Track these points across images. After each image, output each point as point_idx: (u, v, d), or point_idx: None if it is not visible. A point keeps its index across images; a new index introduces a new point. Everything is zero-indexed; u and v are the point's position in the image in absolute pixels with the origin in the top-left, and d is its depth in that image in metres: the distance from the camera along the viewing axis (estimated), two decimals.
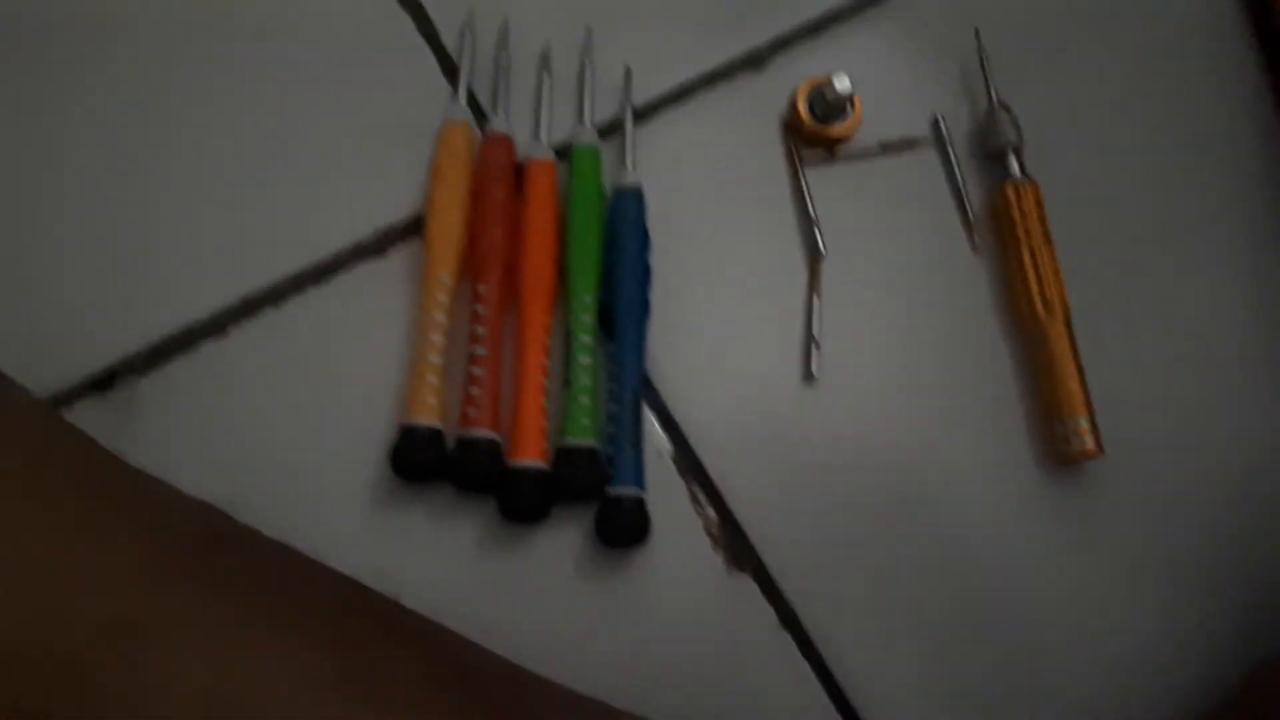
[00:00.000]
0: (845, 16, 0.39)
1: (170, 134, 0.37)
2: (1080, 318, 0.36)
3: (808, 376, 0.36)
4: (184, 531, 0.27)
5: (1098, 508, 0.36)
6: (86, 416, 0.34)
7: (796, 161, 0.36)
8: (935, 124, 0.39)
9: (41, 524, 0.24)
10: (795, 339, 0.37)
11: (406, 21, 0.38)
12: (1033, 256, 0.36)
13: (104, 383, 0.34)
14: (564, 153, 0.37)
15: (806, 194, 0.36)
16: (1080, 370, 0.36)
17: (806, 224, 0.37)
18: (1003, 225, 0.38)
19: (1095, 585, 0.36)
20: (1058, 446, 0.36)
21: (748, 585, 0.35)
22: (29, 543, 0.24)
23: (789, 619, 0.35)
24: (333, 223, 0.37)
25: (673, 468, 0.36)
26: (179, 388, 0.35)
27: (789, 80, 0.38)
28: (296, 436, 0.34)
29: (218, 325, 0.35)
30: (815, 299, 0.36)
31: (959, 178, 0.38)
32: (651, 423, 0.36)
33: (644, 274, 0.36)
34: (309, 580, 0.28)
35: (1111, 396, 0.36)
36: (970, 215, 0.38)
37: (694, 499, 0.36)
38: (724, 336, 0.37)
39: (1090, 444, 0.35)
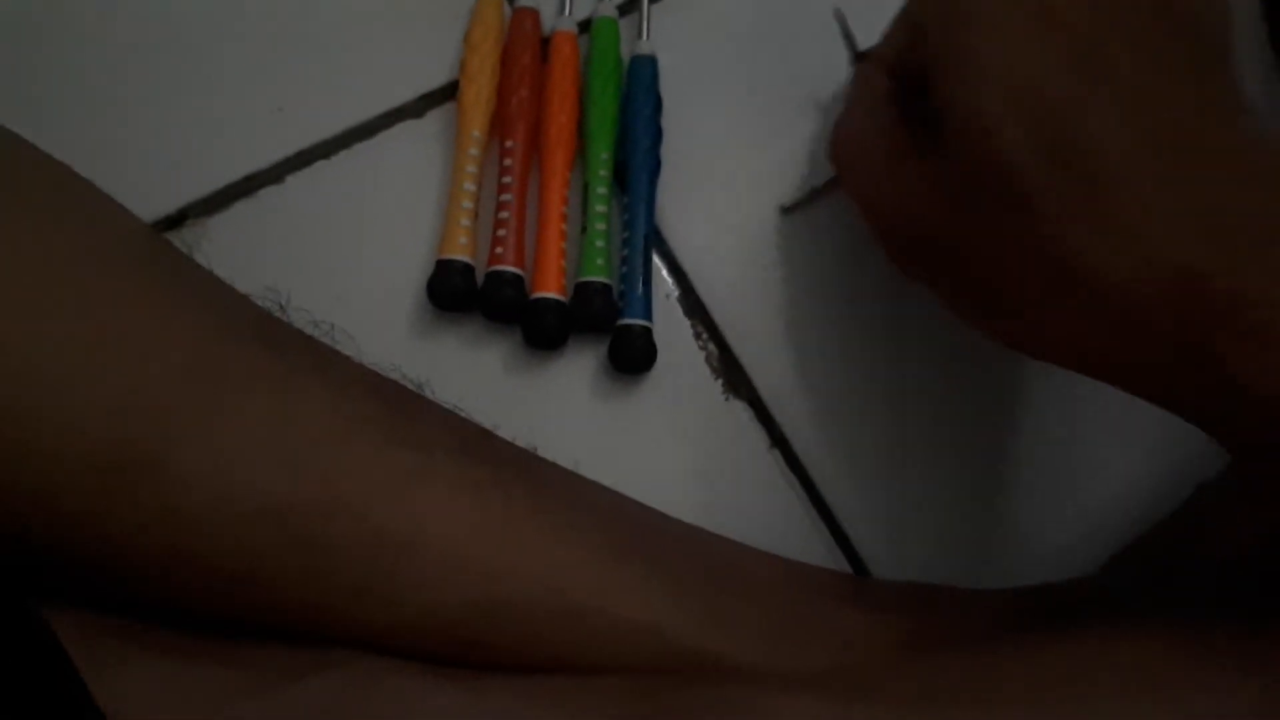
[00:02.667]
0: None
1: (232, 8, 0.41)
2: None
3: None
4: (246, 310, 0.32)
5: None
6: None
7: None
8: None
9: (128, 292, 0.29)
10: (791, 187, 0.41)
11: None
12: None
13: (176, 221, 0.39)
14: (586, 26, 0.41)
15: None
16: None
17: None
18: None
19: (1068, 416, 0.39)
20: None
21: (743, 410, 0.39)
22: (123, 309, 0.28)
23: (779, 439, 0.39)
24: (378, 87, 0.41)
25: (678, 308, 0.40)
26: (241, 227, 0.39)
27: None
28: (344, 270, 0.39)
29: (276, 174, 0.40)
30: None
31: None
32: (660, 269, 0.40)
33: (656, 134, 0.40)
34: (349, 359, 0.33)
35: None
36: None
37: (696, 335, 0.40)
38: (727, 192, 0.41)
39: None
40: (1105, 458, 0.39)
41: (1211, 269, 0.24)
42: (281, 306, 0.34)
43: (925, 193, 0.28)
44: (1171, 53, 0.25)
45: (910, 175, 0.29)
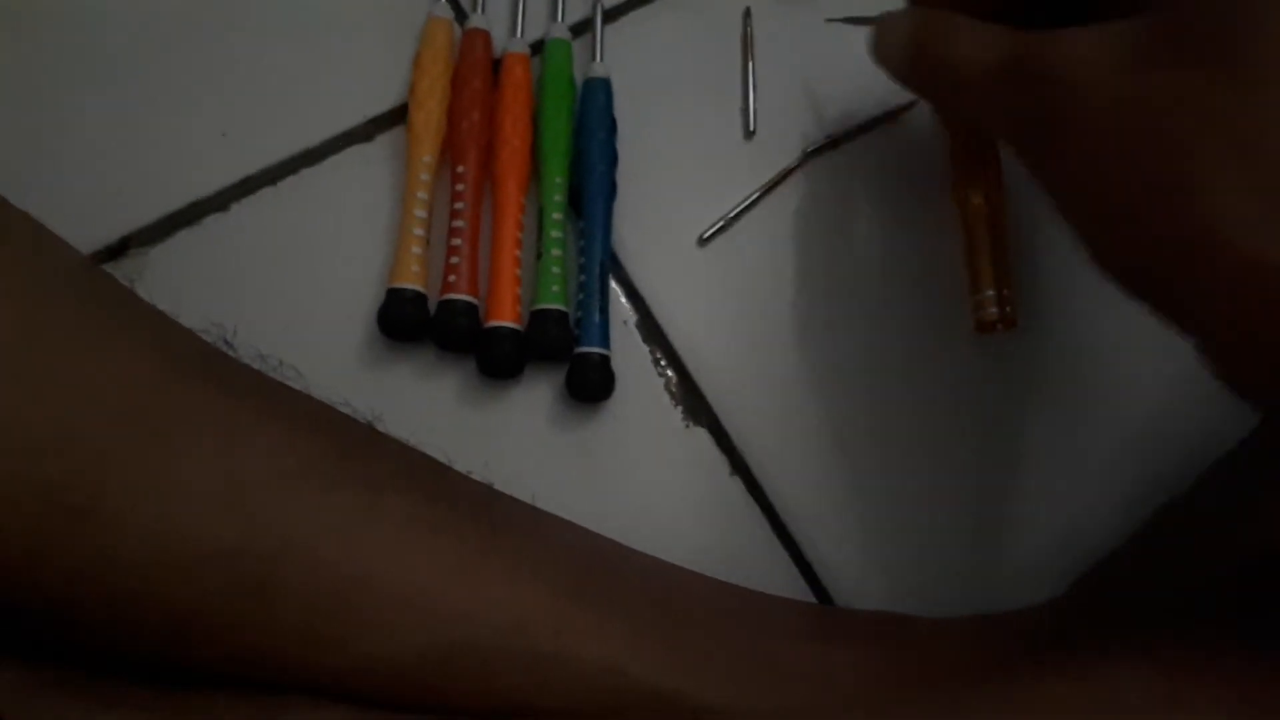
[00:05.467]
0: None
1: (175, 31, 0.40)
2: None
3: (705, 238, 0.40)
4: (190, 346, 0.31)
5: (1032, 369, 0.40)
6: None
7: None
8: None
9: (64, 327, 0.27)
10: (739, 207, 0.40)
11: None
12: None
13: (117, 250, 0.38)
14: (538, 48, 0.41)
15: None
16: (996, 245, 0.38)
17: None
18: None
19: (1031, 443, 0.39)
20: (975, 314, 0.39)
21: (703, 437, 0.39)
22: (59, 345, 0.27)
23: (740, 466, 0.38)
24: (325, 112, 0.40)
25: (637, 334, 0.39)
26: (185, 256, 0.38)
27: None
28: (292, 300, 0.38)
29: (221, 201, 0.39)
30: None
31: None
32: (617, 295, 0.40)
33: (611, 158, 0.40)
34: (297, 393, 0.32)
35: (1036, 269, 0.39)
36: None
37: (655, 362, 0.39)
38: (684, 216, 0.40)
39: (996, 315, 0.38)
40: (1066, 484, 0.39)
41: None
42: (227, 341, 0.33)
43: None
44: None
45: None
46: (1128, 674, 0.28)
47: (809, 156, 0.41)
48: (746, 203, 0.40)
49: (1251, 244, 0.22)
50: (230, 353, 0.32)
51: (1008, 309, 0.38)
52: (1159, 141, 0.23)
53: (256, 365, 0.33)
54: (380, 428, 0.34)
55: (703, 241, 0.40)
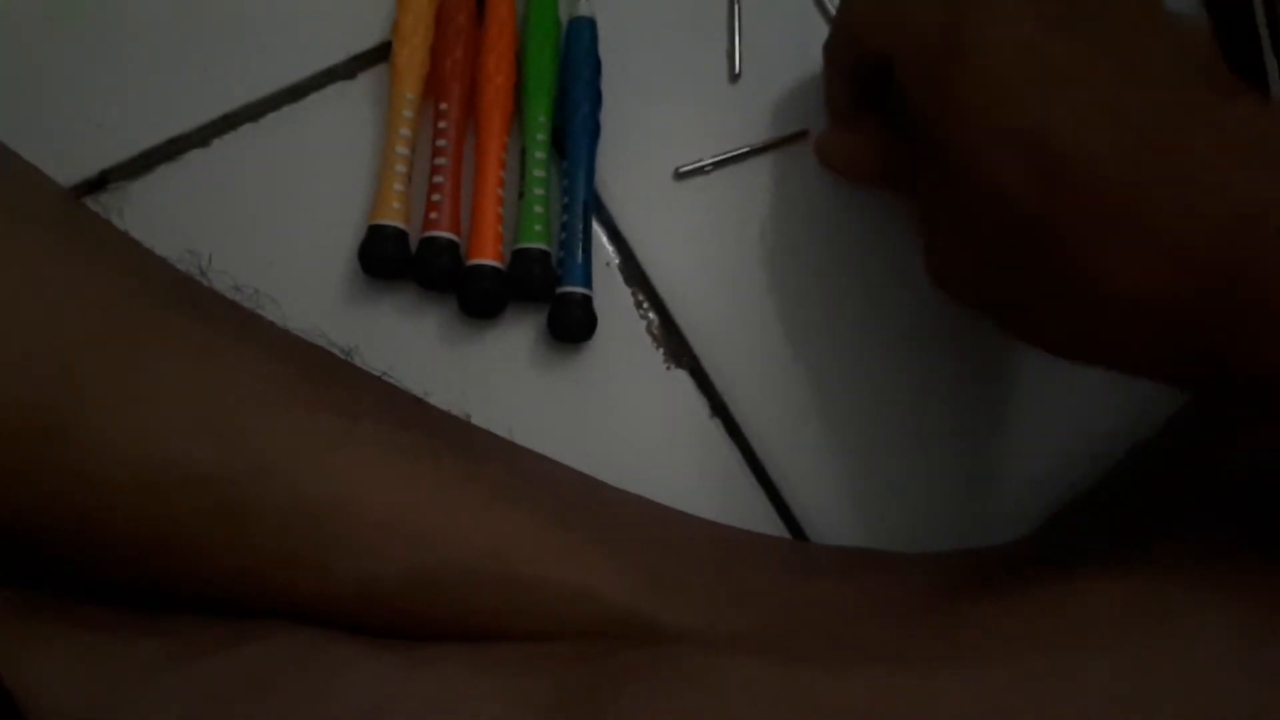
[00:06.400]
0: None
1: None
2: None
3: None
4: (165, 274, 0.31)
5: None
6: None
7: None
8: None
9: (40, 253, 0.27)
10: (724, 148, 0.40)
11: None
12: None
13: (97, 184, 0.38)
14: None
15: None
16: None
17: None
18: None
19: (1008, 383, 0.40)
20: None
21: (684, 379, 0.39)
22: (31, 270, 0.27)
23: (719, 407, 0.39)
24: (308, 48, 0.40)
25: (619, 276, 0.39)
26: (165, 192, 0.38)
27: None
28: (273, 237, 0.38)
29: (201, 137, 0.39)
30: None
31: None
32: (600, 236, 0.40)
33: (595, 98, 0.40)
34: (273, 323, 0.32)
35: None
36: None
37: (638, 304, 0.39)
38: (668, 157, 0.40)
39: None
40: (1043, 422, 0.39)
41: (1237, 259, 0.23)
42: (201, 270, 0.33)
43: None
44: (1147, 62, 0.25)
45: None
46: (1108, 599, 0.28)
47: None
48: (732, 154, 0.40)
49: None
50: (204, 282, 0.32)
51: None
52: None
53: (232, 296, 0.33)
54: (357, 362, 0.34)
55: (679, 176, 0.40)
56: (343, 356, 0.34)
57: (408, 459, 0.29)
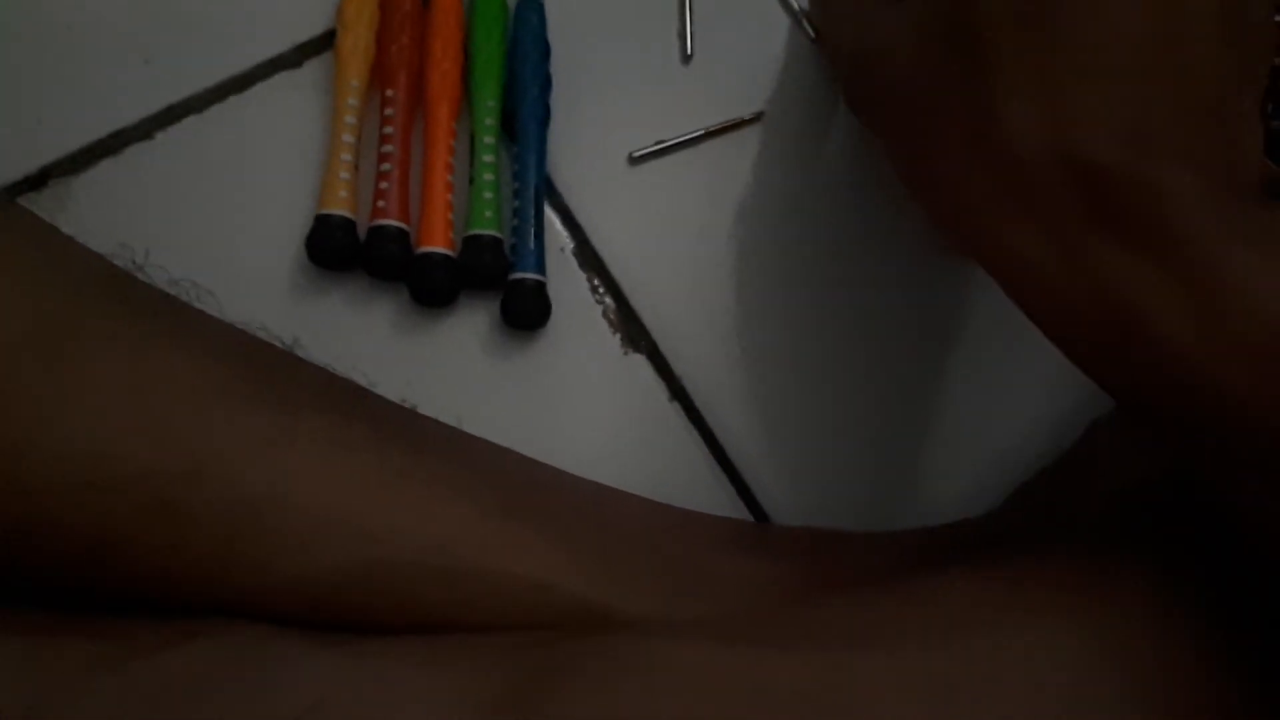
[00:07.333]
0: None
1: None
2: None
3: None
4: (98, 270, 0.30)
5: (967, 291, 0.40)
6: None
7: None
8: None
9: None
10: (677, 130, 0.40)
11: None
12: None
13: (38, 181, 0.37)
14: None
15: None
16: None
17: None
18: None
19: (970, 359, 0.39)
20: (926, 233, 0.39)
21: (642, 364, 0.38)
22: None
23: (679, 391, 0.38)
24: (252, 36, 0.39)
25: (574, 261, 0.39)
26: (109, 187, 0.37)
27: None
28: (220, 230, 0.37)
29: (145, 130, 0.38)
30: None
31: None
32: (553, 221, 0.39)
33: (545, 81, 0.39)
34: (210, 317, 0.31)
35: None
36: None
37: (593, 289, 0.39)
38: (620, 140, 0.40)
39: None
40: (1005, 399, 0.39)
41: (1116, 163, 0.23)
42: (137, 264, 0.32)
43: (892, 40, 0.28)
44: None
45: (881, 21, 0.28)
46: (1058, 578, 0.28)
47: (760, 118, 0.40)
48: (687, 137, 0.39)
49: None
50: (140, 276, 0.32)
51: None
52: None
53: (170, 290, 0.32)
54: (302, 354, 0.33)
55: (634, 160, 0.39)
56: (285, 349, 0.33)
57: (349, 452, 0.29)
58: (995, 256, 0.25)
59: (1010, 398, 0.39)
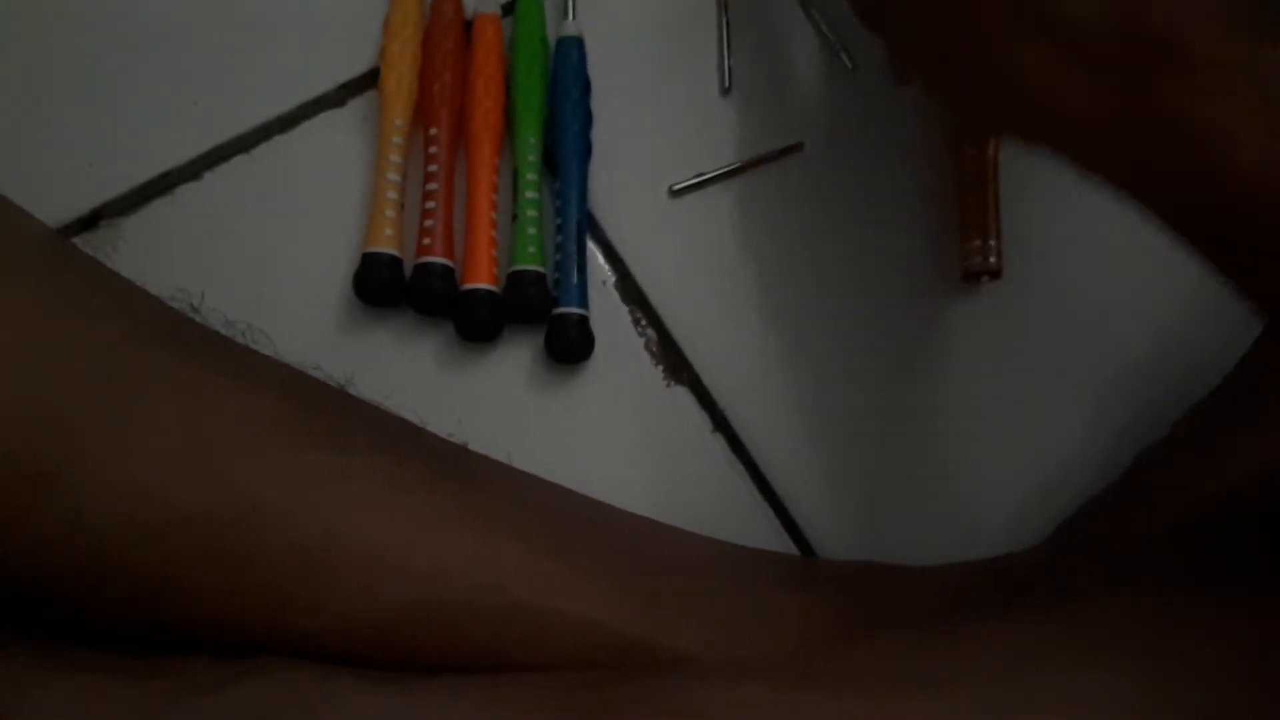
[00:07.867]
0: None
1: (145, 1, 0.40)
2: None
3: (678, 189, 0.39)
4: (156, 314, 0.31)
5: (1010, 321, 0.39)
6: None
7: None
8: None
9: (29, 301, 0.27)
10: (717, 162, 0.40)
11: None
12: None
13: (90, 222, 0.38)
14: (510, 8, 0.40)
15: None
16: (988, 195, 0.38)
17: None
18: None
19: (1004, 388, 0.39)
20: (963, 263, 0.39)
21: (684, 395, 0.39)
22: (21, 316, 0.27)
23: (722, 423, 0.38)
24: (297, 77, 0.40)
25: (616, 295, 0.39)
26: (159, 227, 0.38)
27: None
28: (267, 268, 0.38)
29: (193, 170, 0.39)
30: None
31: None
32: (595, 255, 0.39)
33: (585, 117, 0.39)
34: (266, 358, 0.32)
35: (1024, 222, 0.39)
36: None
37: (635, 322, 0.39)
38: (661, 174, 0.40)
39: (985, 265, 0.38)
40: (1049, 431, 0.38)
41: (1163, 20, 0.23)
42: (194, 307, 0.33)
43: None
44: None
45: None
46: (1110, 621, 0.27)
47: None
48: (727, 169, 0.40)
49: None
50: (197, 319, 0.32)
51: (993, 259, 0.38)
52: None
53: (225, 332, 0.33)
54: (354, 392, 0.34)
55: (674, 193, 0.39)
56: (338, 387, 0.33)
57: (403, 492, 0.29)
58: (1059, 125, 0.26)
59: (1055, 429, 0.39)
